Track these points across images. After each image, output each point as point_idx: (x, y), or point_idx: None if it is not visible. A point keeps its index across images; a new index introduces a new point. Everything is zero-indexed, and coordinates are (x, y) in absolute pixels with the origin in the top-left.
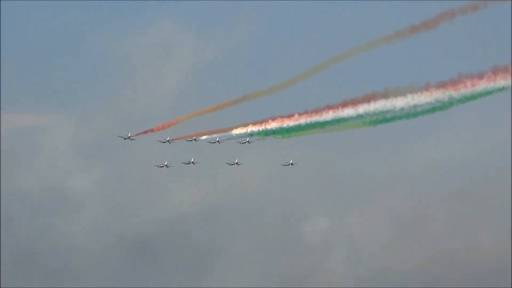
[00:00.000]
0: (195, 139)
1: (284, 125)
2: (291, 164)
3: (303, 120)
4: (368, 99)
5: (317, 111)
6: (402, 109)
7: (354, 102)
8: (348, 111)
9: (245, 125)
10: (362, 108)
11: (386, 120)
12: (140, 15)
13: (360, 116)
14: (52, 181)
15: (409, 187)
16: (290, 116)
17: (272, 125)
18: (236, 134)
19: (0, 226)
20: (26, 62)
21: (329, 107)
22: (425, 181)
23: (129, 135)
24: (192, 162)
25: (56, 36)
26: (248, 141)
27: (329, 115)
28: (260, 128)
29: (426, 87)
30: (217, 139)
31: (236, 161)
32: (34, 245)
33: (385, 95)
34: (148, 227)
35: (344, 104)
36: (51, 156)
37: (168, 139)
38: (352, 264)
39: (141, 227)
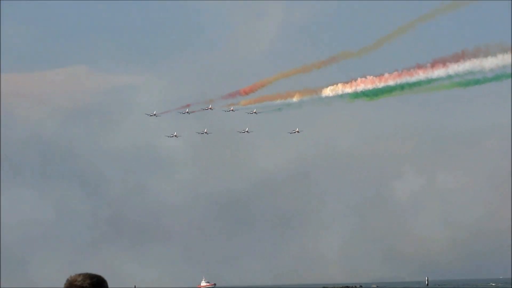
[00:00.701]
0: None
1: (374, 86)
2: (297, 132)
3: (392, 80)
4: (457, 58)
5: (406, 71)
6: (492, 70)
7: (444, 62)
8: (438, 72)
9: (335, 85)
10: (452, 69)
11: (476, 82)
12: None
13: (449, 77)
14: (144, 140)
15: (501, 144)
16: (379, 76)
17: (361, 86)
18: (325, 95)
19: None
20: (117, 24)
21: (419, 67)
22: None
23: (154, 113)
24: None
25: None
26: (255, 112)
27: (419, 76)
28: (350, 90)
29: None
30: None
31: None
32: (127, 203)
33: (475, 54)
34: (237, 185)
35: (433, 64)
36: (143, 116)
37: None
38: (444, 223)
39: (231, 186)
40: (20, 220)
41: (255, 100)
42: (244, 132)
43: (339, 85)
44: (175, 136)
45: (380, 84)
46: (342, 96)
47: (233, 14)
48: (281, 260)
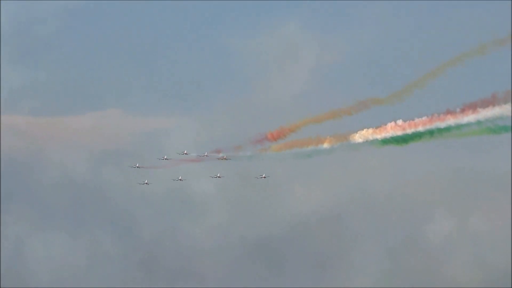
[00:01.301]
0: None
1: (403, 132)
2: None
3: (422, 126)
4: (487, 103)
5: (436, 117)
6: None
7: (474, 107)
8: (468, 118)
9: (365, 131)
10: (482, 114)
11: (507, 129)
12: (265, 16)
13: (479, 123)
14: (176, 183)
15: None
16: (409, 122)
17: (391, 132)
18: (355, 141)
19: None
20: (150, 63)
21: (449, 112)
22: None
23: (137, 165)
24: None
25: (180, 36)
26: (264, 176)
27: (449, 121)
28: (379, 136)
29: None
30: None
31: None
32: (159, 246)
33: (505, 99)
34: (270, 229)
35: (463, 110)
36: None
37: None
38: (477, 266)
39: (264, 229)
40: (51, 264)
41: (286, 146)
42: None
43: (369, 130)
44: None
45: (409, 130)
46: (372, 142)
47: (265, 56)
48: None
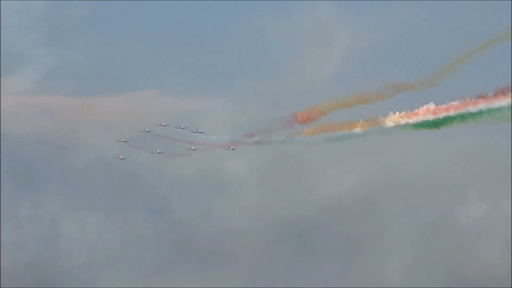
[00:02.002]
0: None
1: (435, 117)
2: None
3: (454, 111)
4: None
5: (469, 101)
6: None
7: (506, 92)
8: (500, 102)
9: (397, 115)
10: None
11: None
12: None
13: (511, 107)
14: (210, 165)
15: None
16: (441, 107)
17: (423, 117)
18: (388, 126)
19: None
20: (184, 45)
21: (480, 96)
22: None
23: (123, 139)
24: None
25: (214, 17)
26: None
27: (481, 106)
28: (411, 120)
29: None
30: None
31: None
32: (192, 227)
33: None
34: (302, 211)
35: (496, 94)
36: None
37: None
38: (509, 249)
39: (296, 211)
40: (84, 244)
41: (318, 130)
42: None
43: (401, 114)
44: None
45: (441, 114)
46: (404, 126)
47: (299, 38)
48: (345, 284)
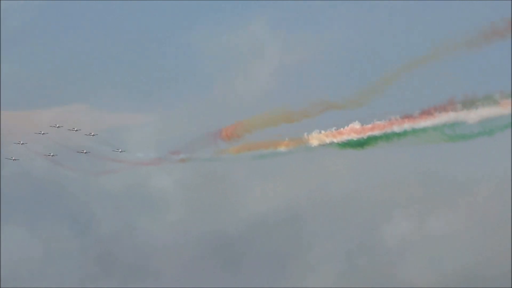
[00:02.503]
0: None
1: (360, 136)
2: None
3: (379, 130)
4: (446, 108)
5: (394, 121)
6: (482, 122)
7: (431, 112)
8: (425, 123)
9: (322, 134)
10: (439, 119)
11: (464, 137)
12: (231, 14)
13: (436, 128)
14: (135, 180)
15: (494, 191)
16: (367, 126)
17: (348, 135)
18: (313, 144)
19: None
20: (115, 60)
21: (406, 117)
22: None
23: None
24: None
25: (145, 33)
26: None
27: (406, 126)
28: (336, 140)
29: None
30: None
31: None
32: (117, 242)
33: (465, 105)
34: (229, 227)
35: (421, 115)
36: (135, 155)
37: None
38: (432, 268)
39: (222, 227)
40: (8, 258)
41: (243, 148)
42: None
43: (327, 133)
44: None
45: (366, 134)
46: (329, 145)
47: (230, 55)
48: None
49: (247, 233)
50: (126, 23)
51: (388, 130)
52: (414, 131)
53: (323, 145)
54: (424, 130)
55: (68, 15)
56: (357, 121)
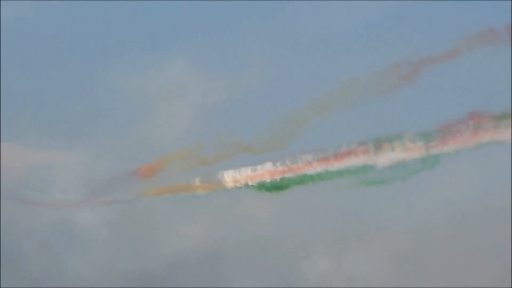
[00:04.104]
0: None
1: (277, 178)
2: None
3: (292, 173)
4: (357, 153)
5: (310, 163)
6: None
7: (343, 156)
8: (339, 165)
9: (238, 176)
10: (349, 163)
11: (377, 182)
12: (152, 53)
13: (349, 171)
14: (61, 217)
15: (408, 231)
16: (281, 168)
17: (263, 178)
18: (228, 187)
19: None
20: (33, 97)
21: (321, 159)
22: (424, 222)
23: None
24: None
25: (67, 72)
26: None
27: (320, 168)
28: (252, 182)
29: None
30: None
31: None
32: (43, 278)
33: (376, 149)
34: (152, 264)
35: (336, 157)
36: (60, 193)
37: None
38: None
39: (146, 264)
40: None
41: (161, 191)
42: None
43: (242, 175)
44: None
45: (280, 176)
46: (246, 187)
47: (150, 94)
48: None
49: (169, 270)
50: (45, 61)
51: (302, 172)
52: (328, 174)
53: (240, 187)
54: (338, 173)
55: None
56: (271, 163)
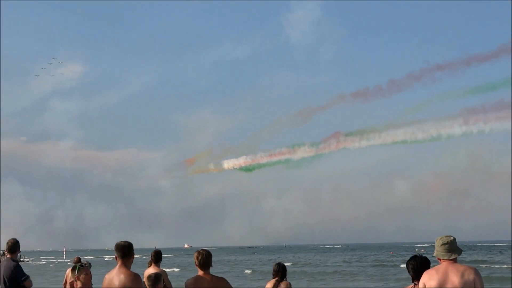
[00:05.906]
0: None
1: (247, 165)
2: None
3: (254, 163)
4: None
5: (261, 158)
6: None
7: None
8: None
9: (230, 165)
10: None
11: (294, 167)
12: (193, 108)
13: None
14: (151, 183)
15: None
16: None
17: (241, 165)
18: (226, 169)
19: None
20: (141, 124)
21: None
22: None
23: None
24: None
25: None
26: None
27: (267, 160)
28: (236, 167)
29: None
30: None
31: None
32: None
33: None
34: (194, 203)
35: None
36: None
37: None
38: None
39: (190, 203)
40: None
41: (196, 171)
42: None
43: (232, 164)
44: None
45: (249, 164)
46: (235, 169)
47: (189, 128)
48: None
49: (203, 206)
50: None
51: (259, 162)
52: (272, 163)
53: (231, 169)
54: (276, 162)
55: None
56: (245, 157)
